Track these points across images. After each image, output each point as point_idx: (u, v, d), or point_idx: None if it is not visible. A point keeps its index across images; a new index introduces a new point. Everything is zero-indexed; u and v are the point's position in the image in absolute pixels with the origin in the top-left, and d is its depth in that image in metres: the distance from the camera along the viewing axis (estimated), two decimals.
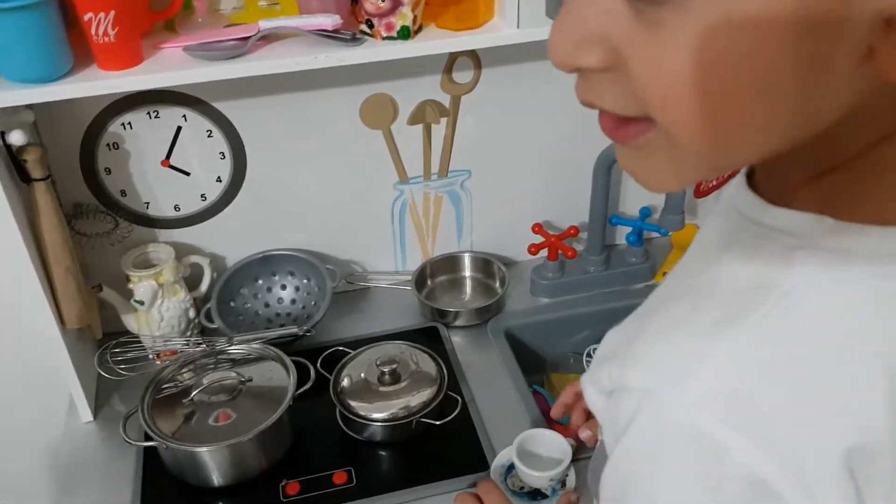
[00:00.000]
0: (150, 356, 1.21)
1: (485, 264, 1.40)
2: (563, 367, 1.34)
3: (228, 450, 1.02)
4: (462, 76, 1.24)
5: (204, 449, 1.01)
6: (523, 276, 1.40)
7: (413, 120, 1.26)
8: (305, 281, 1.32)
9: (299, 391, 1.08)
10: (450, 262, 1.41)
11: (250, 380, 1.08)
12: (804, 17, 0.34)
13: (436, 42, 1.02)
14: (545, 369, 1.34)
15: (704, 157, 0.39)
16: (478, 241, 1.42)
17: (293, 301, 1.32)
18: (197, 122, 1.17)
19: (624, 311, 1.36)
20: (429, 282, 1.40)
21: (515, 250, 1.42)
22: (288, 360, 1.10)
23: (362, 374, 1.12)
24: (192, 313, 1.24)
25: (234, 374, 1.09)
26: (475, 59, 1.22)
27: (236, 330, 1.24)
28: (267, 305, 1.32)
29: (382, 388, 1.10)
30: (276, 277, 1.32)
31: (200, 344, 1.17)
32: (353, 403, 1.09)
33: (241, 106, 1.17)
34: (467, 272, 1.42)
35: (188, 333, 1.24)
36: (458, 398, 1.11)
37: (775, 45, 0.34)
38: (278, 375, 1.09)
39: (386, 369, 1.11)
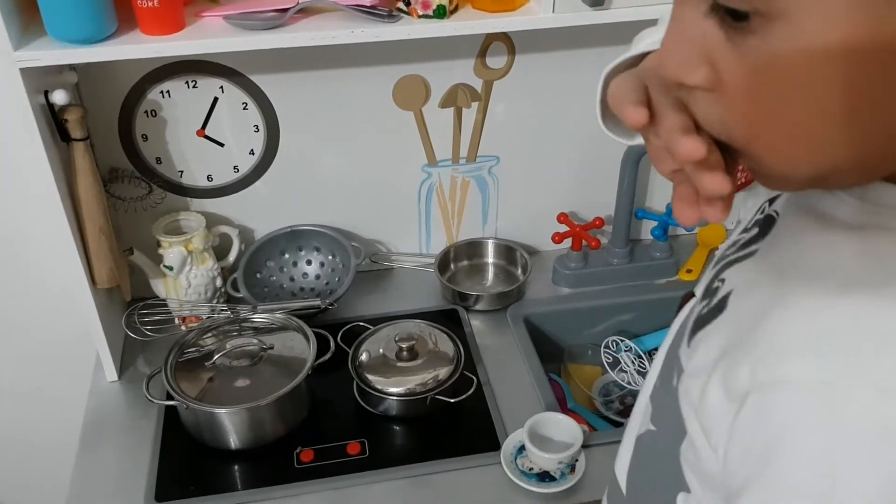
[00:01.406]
0: (176, 321, 1.24)
1: (508, 251, 1.41)
2: (580, 357, 1.35)
3: (247, 413, 1.04)
4: (495, 61, 1.25)
5: (223, 410, 1.03)
6: (545, 266, 1.40)
7: (445, 103, 1.27)
8: (330, 257, 1.33)
9: (318, 362, 1.09)
10: (473, 248, 1.42)
11: (271, 347, 1.10)
12: (882, 43, 0.35)
13: (471, 23, 1.03)
14: (563, 359, 1.34)
15: (782, 174, 0.43)
16: (502, 227, 1.43)
17: (317, 276, 1.34)
18: (233, 93, 1.20)
19: (645, 306, 1.38)
20: (451, 265, 1.41)
21: (539, 239, 1.43)
22: (309, 330, 1.12)
23: (381, 350, 1.14)
24: (218, 282, 1.26)
25: (255, 342, 1.11)
26: (509, 44, 1.23)
27: (261, 301, 1.26)
28: (292, 279, 1.34)
29: (400, 364, 1.12)
30: (302, 252, 1.34)
31: (225, 311, 1.20)
32: (370, 377, 1.11)
33: (277, 80, 1.20)
34: (490, 258, 1.43)
35: (214, 301, 1.26)
36: (474, 378, 1.12)
37: (854, 70, 0.36)
38: (299, 345, 1.11)
39: (404, 345, 1.12)
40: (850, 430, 0.39)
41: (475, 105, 1.29)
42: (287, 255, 1.34)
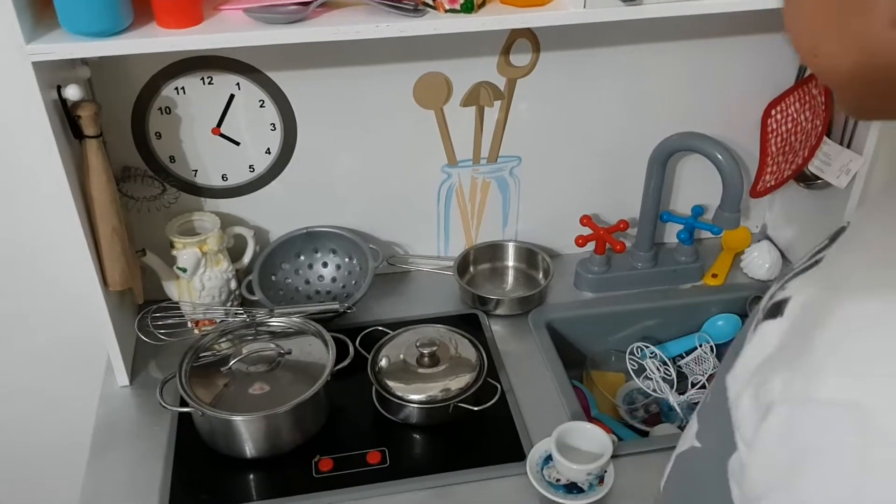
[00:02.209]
0: (189, 324, 1.21)
1: (529, 255, 1.37)
2: (604, 364, 1.31)
3: (263, 421, 1.00)
4: (519, 59, 1.21)
5: (239, 418, 0.99)
6: (567, 270, 1.37)
7: (466, 101, 1.24)
8: (347, 259, 1.30)
9: (337, 367, 1.06)
10: (493, 251, 1.39)
11: (289, 353, 1.07)
12: None
13: (500, 17, 0.99)
14: (585, 366, 1.30)
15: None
16: (523, 230, 1.40)
17: (333, 279, 1.30)
18: (250, 91, 1.16)
19: (670, 311, 1.34)
20: (471, 268, 1.37)
21: (561, 242, 1.39)
22: (328, 335, 1.09)
23: (401, 355, 1.10)
24: (233, 284, 1.23)
25: (273, 346, 1.07)
26: (534, 41, 1.20)
27: (276, 304, 1.23)
28: (308, 282, 1.30)
29: (421, 370, 1.08)
30: (319, 254, 1.31)
31: (240, 314, 1.16)
32: (390, 384, 1.07)
33: (294, 77, 1.16)
34: (510, 262, 1.39)
35: (228, 304, 1.23)
36: (498, 385, 1.08)
37: None
38: (317, 350, 1.08)
39: (426, 351, 1.08)
40: (882, 460, 0.37)
41: (497, 104, 1.25)
42: (303, 258, 1.30)
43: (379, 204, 1.31)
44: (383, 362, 1.10)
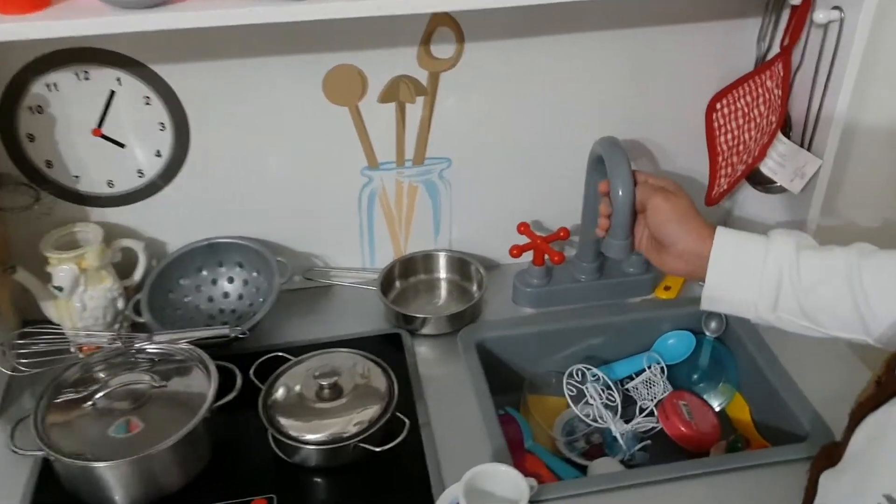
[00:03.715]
0: (73, 349, 1.07)
1: (461, 265, 1.24)
2: (543, 388, 1.18)
3: (129, 466, 0.87)
4: (442, 50, 1.08)
5: (100, 465, 0.86)
6: (507, 282, 1.23)
7: (384, 97, 1.10)
8: (255, 274, 1.17)
9: (221, 401, 0.93)
10: (424, 262, 1.25)
11: (164, 385, 0.93)
12: None
13: (401, 1, 0.86)
14: (522, 390, 1.17)
15: None
16: (458, 239, 1.26)
17: (240, 297, 1.17)
18: (133, 86, 1.03)
19: (617, 328, 1.20)
20: (397, 283, 1.24)
21: (500, 251, 1.26)
22: (211, 364, 0.95)
23: (298, 388, 0.97)
24: (120, 304, 1.09)
25: (146, 378, 0.94)
26: (457, 30, 1.06)
27: (172, 326, 1.10)
28: (210, 300, 1.17)
29: (319, 405, 0.95)
30: (223, 269, 1.17)
31: (122, 339, 1.03)
32: (283, 421, 0.94)
33: (183, 70, 1.03)
34: (443, 273, 1.26)
35: (116, 326, 1.10)
36: (406, 421, 0.95)
37: None
38: (198, 382, 0.94)
39: (325, 382, 0.95)
40: None
41: (420, 100, 1.12)
42: (205, 272, 1.17)
43: (292, 212, 1.18)
44: (279, 395, 0.97)
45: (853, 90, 1.01)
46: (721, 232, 0.82)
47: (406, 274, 1.25)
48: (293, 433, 0.93)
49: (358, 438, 0.92)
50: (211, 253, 1.16)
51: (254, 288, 1.16)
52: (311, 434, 0.92)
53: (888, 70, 1.16)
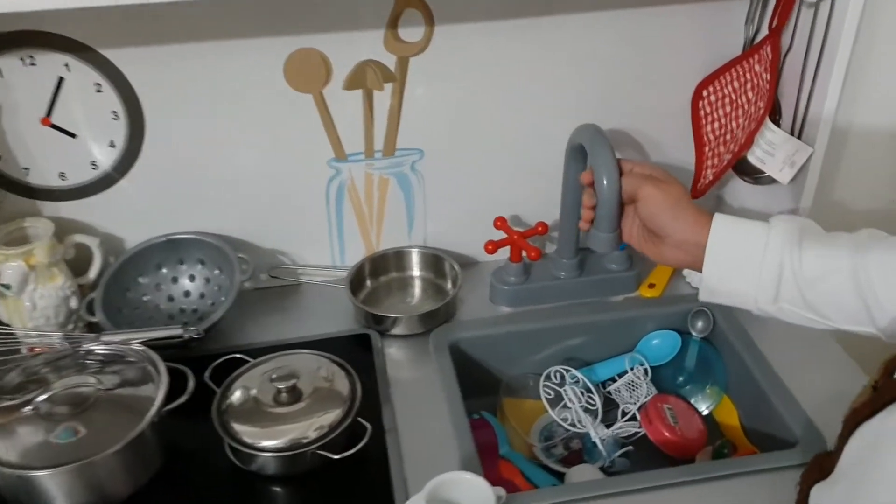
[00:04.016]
0: (24, 351, 1.02)
1: (435, 262, 1.18)
2: (520, 391, 1.12)
3: (71, 474, 0.81)
4: (410, 33, 1.02)
5: (39, 473, 0.80)
6: (484, 280, 1.18)
7: (350, 84, 1.04)
8: (217, 272, 1.11)
9: (171, 405, 0.87)
10: (396, 259, 1.20)
11: (111, 388, 0.88)
12: None
13: None
14: (499, 393, 1.11)
15: None
16: (433, 234, 1.20)
17: (202, 295, 1.11)
18: (82, 72, 0.97)
19: (598, 328, 1.13)
20: (368, 282, 1.18)
21: (478, 248, 1.19)
22: (162, 366, 0.90)
23: (254, 391, 0.91)
24: (73, 303, 1.04)
25: (93, 381, 0.88)
26: (425, 11, 1.01)
27: (130, 326, 1.04)
28: (171, 299, 1.11)
29: (276, 410, 0.89)
30: (184, 266, 1.12)
31: (70, 340, 0.97)
32: (237, 427, 0.88)
33: (135, 56, 0.97)
34: (416, 271, 1.20)
35: (70, 327, 1.04)
36: (367, 426, 0.89)
37: None
38: (149, 385, 0.89)
39: (282, 386, 0.89)
40: None
41: (389, 87, 1.06)
42: (165, 270, 1.11)
43: (256, 206, 1.12)
44: (234, 399, 0.91)
45: (846, 73, 0.95)
46: (718, 219, 0.77)
47: (377, 272, 1.19)
48: (248, 440, 0.87)
49: (316, 445, 0.86)
50: (171, 249, 1.10)
51: (216, 286, 1.11)
52: (268, 440, 0.87)
53: (883, 51, 1.09)
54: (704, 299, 0.80)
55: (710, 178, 1.05)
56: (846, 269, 0.70)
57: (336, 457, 0.86)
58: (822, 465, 0.71)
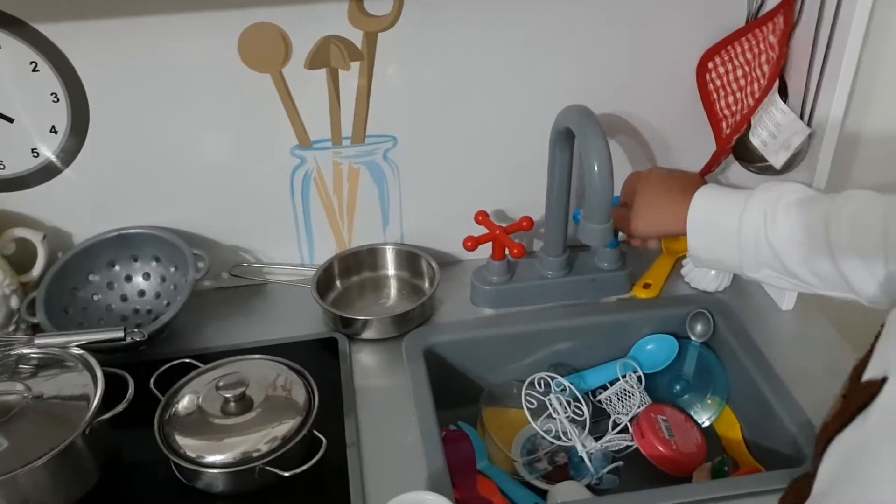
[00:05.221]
0: None
1: (412, 259, 1.09)
2: (502, 399, 1.03)
3: None
4: (377, 6, 0.93)
5: None
6: (466, 280, 1.08)
7: (313, 63, 0.96)
8: (173, 270, 1.02)
9: (106, 415, 0.78)
10: (369, 257, 1.11)
11: (40, 396, 0.79)
12: None
13: None
14: (479, 401, 1.02)
15: None
16: (410, 230, 1.11)
17: (157, 295, 1.03)
18: (16, 49, 0.89)
19: (588, 331, 1.03)
20: (338, 282, 1.09)
21: (457, 245, 1.09)
22: (99, 371, 0.81)
23: (199, 401, 0.82)
24: (14, 302, 0.95)
25: (20, 388, 0.80)
26: None
27: (78, 327, 0.96)
28: (124, 299, 1.02)
29: (223, 421, 0.80)
30: (138, 264, 1.03)
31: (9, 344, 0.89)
32: (180, 440, 0.79)
33: (73, 30, 0.89)
34: (391, 270, 1.11)
35: (11, 328, 0.96)
36: (322, 439, 0.80)
37: None
38: (84, 392, 0.80)
39: (229, 395, 0.80)
40: None
41: (356, 66, 0.97)
42: (117, 268, 1.02)
43: (215, 197, 1.03)
44: (180, 409, 0.82)
45: (861, 45, 0.85)
46: (699, 196, 0.81)
47: (349, 271, 1.10)
48: (191, 454, 0.78)
49: (265, 460, 0.77)
50: (123, 245, 1.02)
51: (172, 285, 1.02)
52: (213, 455, 0.78)
53: None
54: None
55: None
56: (819, 231, 0.72)
57: (286, 474, 0.77)
58: (799, 491, 0.64)
